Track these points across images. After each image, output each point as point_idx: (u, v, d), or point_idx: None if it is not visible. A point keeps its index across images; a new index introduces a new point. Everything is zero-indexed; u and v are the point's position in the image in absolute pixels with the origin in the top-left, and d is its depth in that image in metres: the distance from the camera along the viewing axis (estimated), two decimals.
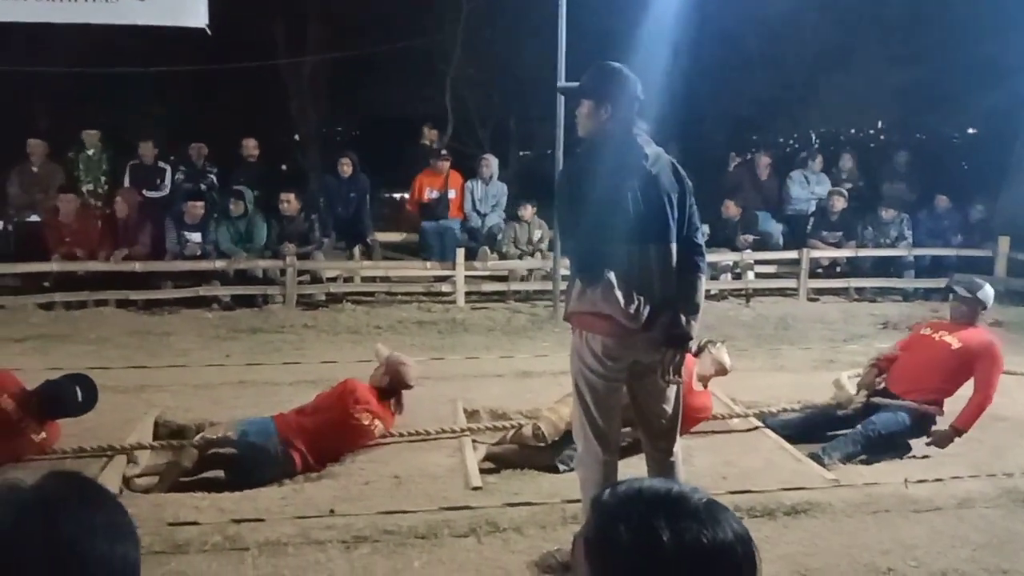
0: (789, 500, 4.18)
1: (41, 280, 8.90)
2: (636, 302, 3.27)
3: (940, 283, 9.09)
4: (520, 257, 9.80)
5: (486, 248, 9.97)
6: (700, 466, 4.64)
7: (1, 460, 4.52)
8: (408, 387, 5.10)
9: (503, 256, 9.85)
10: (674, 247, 3.35)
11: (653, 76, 13.23)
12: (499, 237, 9.98)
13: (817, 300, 10.10)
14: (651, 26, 11.67)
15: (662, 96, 13.42)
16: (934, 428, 5.08)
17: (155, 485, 4.65)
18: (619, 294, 3.25)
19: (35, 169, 9.69)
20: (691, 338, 3.43)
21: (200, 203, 9.21)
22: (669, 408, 3.54)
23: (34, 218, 9.51)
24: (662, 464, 3.58)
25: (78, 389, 4.71)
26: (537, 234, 9.89)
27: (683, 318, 3.35)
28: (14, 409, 4.57)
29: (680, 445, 3.66)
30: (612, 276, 3.24)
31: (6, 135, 10.85)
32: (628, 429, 4.03)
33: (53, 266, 8.84)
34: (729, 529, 1.15)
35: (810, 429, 5.35)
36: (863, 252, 10.29)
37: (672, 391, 3.52)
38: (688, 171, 3.48)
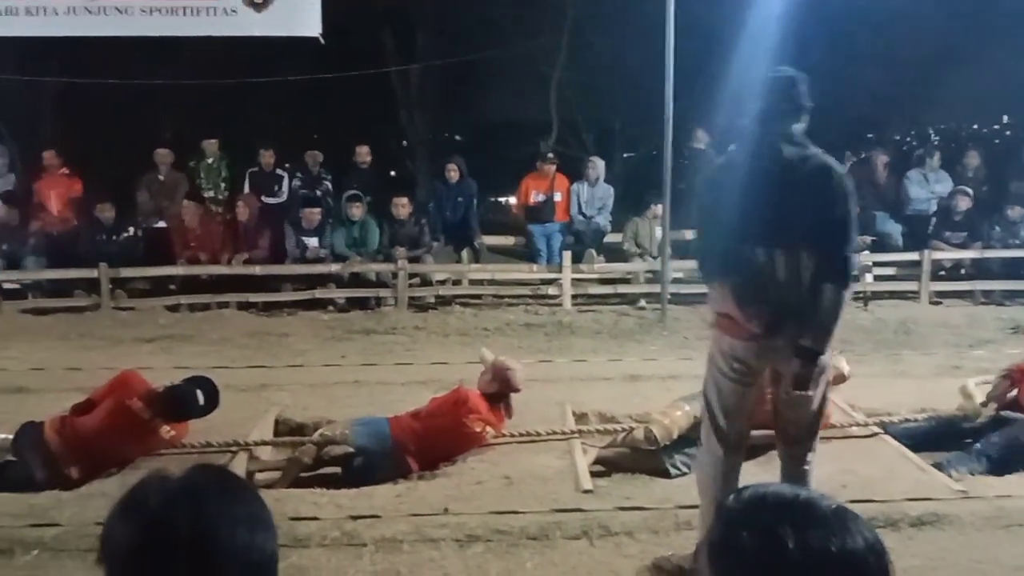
0: (913, 511, 4.01)
1: (168, 283, 9.35)
2: (755, 307, 3.21)
3: None
4: (641, 256, 9.71)
5: (592, 251, 9.95)
6: (818, 473, 4.45)
7: (134, 455, 4.79)
8: (516, 391, 5.13)
9: (622, 255, 9.76)
10: (806, 255, 3.19)
11: (761, 75, 12.99)
12: (623, 234, 9.89)
13: (940, 303, 9.67)
14: (759, 24, 11.41)
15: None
16: None
17: (276, 480, 4.82)
18: (736, 297, 3.23)
19: (162, 178, 10.19)
20: (820, 352, 3.25)
21: (317, 209, 9.53)
22: (802, 417, 3.44)
23: (161, 224, 9.99)
24: (793, 470, 3.51)
25: (200, 393, 4.93)
26: (658, 232, 9.63)
27: (813, 330, 3.21)
28: (142, 409, 4.82)
29: (815, 455, 3.57)
30: (731, 279, 3.24)
31: (134, 145, 11.46)
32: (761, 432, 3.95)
33: (179, 270, 9.28)
34: (860, 538, 1.12)
35: (935, 439, 5.12)
36: (990, 253, 9.80)
37: (807, 400, 3.39)
38: (747, 169, 3.31)
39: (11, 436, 4.83)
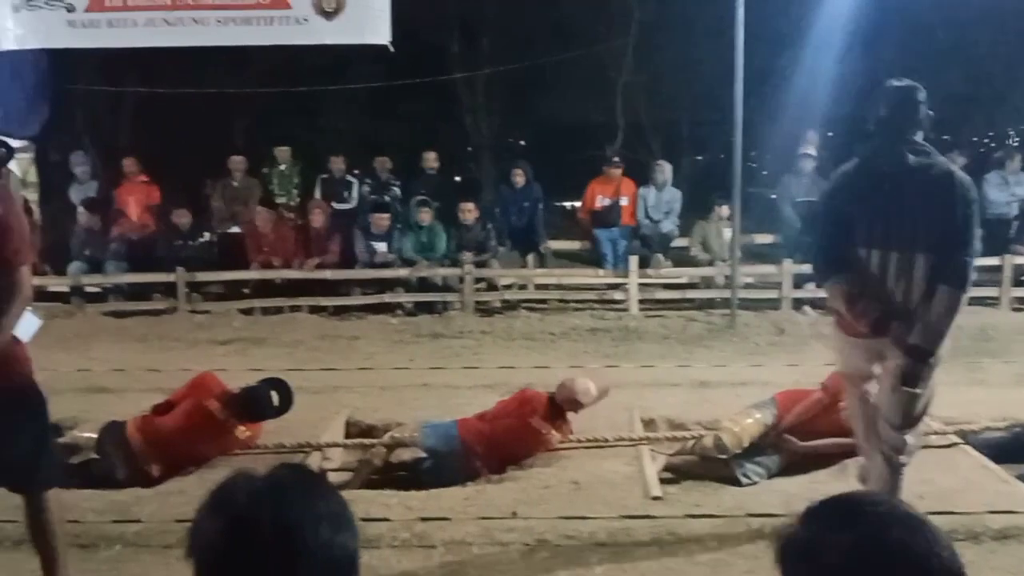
0: (995, 523, 3.89)
1: (242, 287, 9.57)
2: (864, 306, 3.38)
3: None
4: (710, 263, 9.62)
5: (659, 255, 9.87)
6: None
7: (211, 455, 4.93)
8: (575, 411, 5.10)
9: (690, 259, 9.70)
10: (921, 257, 3.36)
11: (832, 74, 12.74)
12: (691, 239, 9.81)
13: (1022, 310, 9.35)
14: (830, 23, 11.20)
15: (841, 94, 12.89)
16: None
17: (348, 481, 4.90)
18: (846, 297, 3.46)
19: (236, 184, 10.44)
20: (930, 353, 3.36)
21: (385, 215, 9.65)
22: (898, 418, 3.52)
23: (235, 230, 10.22)
24: (883, 470, 3.60)
25: (274, 394, 5.04)
26: (727, 235, 9.46)
27: (924, 330, 3.33)
28: (219, 409, 4.95)
29: (910, 459, 3.63)
30: (843, 279, 3.47)
31: (209, 153, 11.77)
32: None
33: (252, 274, 9.49)
34: (936, 547, 1.11)
35: (1017, 450, 4.96)
36: None
37: (907, 401, 3.47)
38: (872, 175, 3.44)
39: (95, 435, 5.00)
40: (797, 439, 4.77)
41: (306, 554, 1.21)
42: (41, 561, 3.31)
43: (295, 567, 1.20)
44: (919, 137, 3.47)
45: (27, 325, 3.32)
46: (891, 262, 3.39)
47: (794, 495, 4.12)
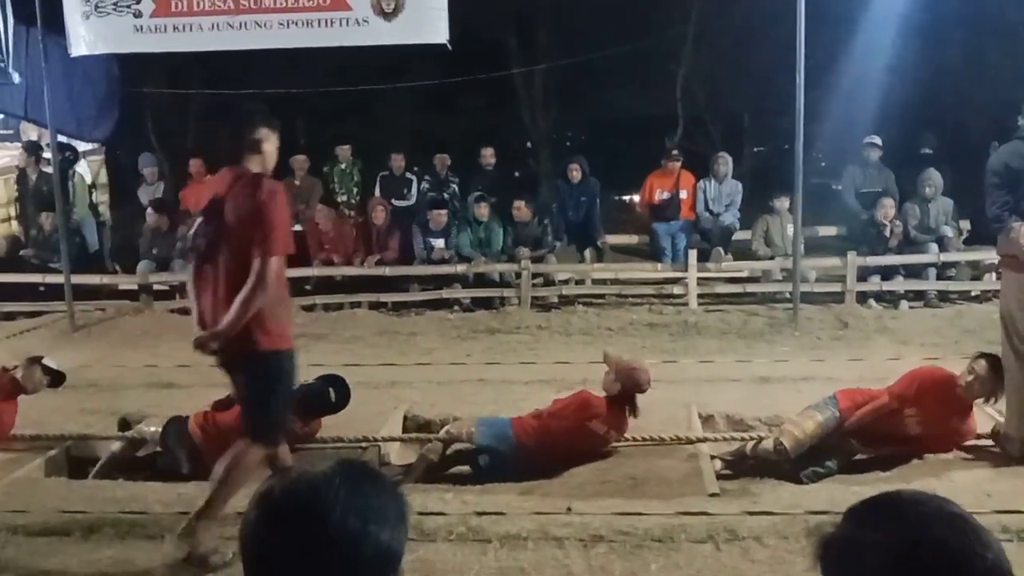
0: None
1: (303, 284, 9.72)
2: None
3: None
4: (771, 257, 9.46)
5: (719, 249, 9.74)
6: (960, 481, 4.29)
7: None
8: (642, 391, 5.06)
9: (752, 254, 9.59)
10: None
11: (897, 61, 12.41)
12: (752, 233, 9.69)
13: None
14: (897, 8, 10.90)
15: (908, 81, 12.54)
16: None
17: (405, 476, 4.95)
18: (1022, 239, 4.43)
19: (298, 183, 10.61)
20: None
21: (444, 211, 9.72)
22: None
23: (296, 228, 10.39)
24: None
25: (332, 391, 5.11)
26: (790, 229, 9.17)
27: None
28: None
29: None
30: (1020, 224, 4.45)
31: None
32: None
33: (314, 271, 9.64)
34: (978, 558, 1.08)
35: None
36: None
37: None
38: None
39: (160, 429, 5.14)
40: (859, 442, 4.67)
41: (347, 547, 1.23)
42: (212, 493, 3.77)
43: (325, 558, 1.22)
44: None
45: None
46: None
47: (855, 493, 4.03)
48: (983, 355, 4.69)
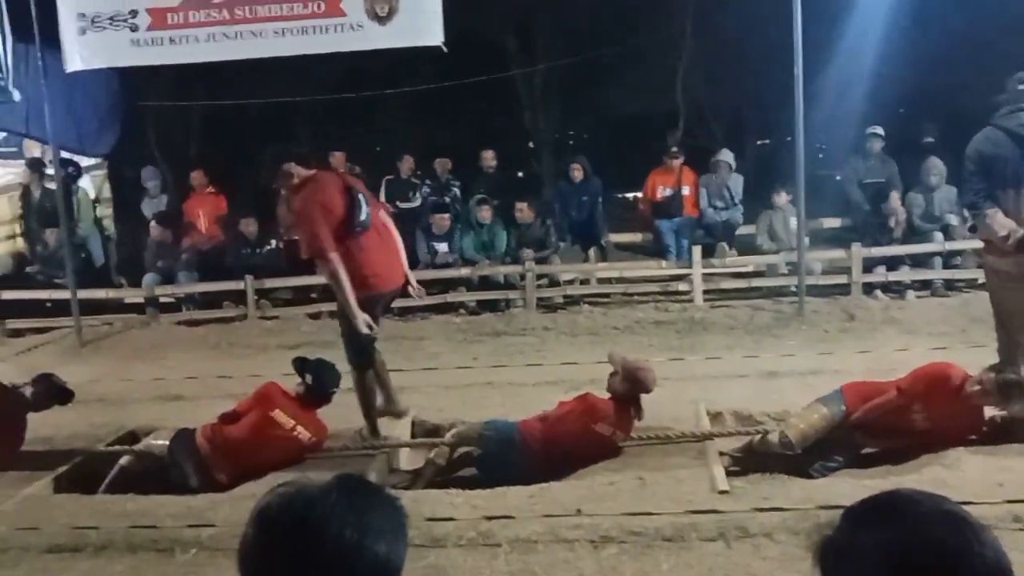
0: None
1: (309, 292, 9.73)
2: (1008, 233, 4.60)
3: None
4: (777, 252, 9.43)
5: (724, 244, 9.72)
6: (971, 471, 4.26)
7: (277, 465, 4.99)
8: (647, 391, 5.04)
9: (757, 248, 9.54)
10: None
11: (900, 49, 12.35)
12: (757, 227, 9.66)
13: None
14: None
15: (908, 71, 12.46)
16: None
17: (413, 482, 4.95)
18: (998, 220, 4.66)
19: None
20: None
21: (446, 215, 9.73)
22: None
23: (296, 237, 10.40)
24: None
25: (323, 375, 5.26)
26: (793, 222, 9.18)
27: None
28: (286, 419, 5.05)
29: None
30: (992, 206, 4.68)
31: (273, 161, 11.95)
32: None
33: (319, 279, 9.63)
34: (977, 557, 1.08)
35: None
36: None
37: None
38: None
39: (167, 442, 5.14)
40: (865, 436, 4.65)
41: (345, 561, 1.24)
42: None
43: (323, 573, 1.23)
44: None
45: None
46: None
47: (865, 486, 4.01)
48: (996, 370, 4.52)
